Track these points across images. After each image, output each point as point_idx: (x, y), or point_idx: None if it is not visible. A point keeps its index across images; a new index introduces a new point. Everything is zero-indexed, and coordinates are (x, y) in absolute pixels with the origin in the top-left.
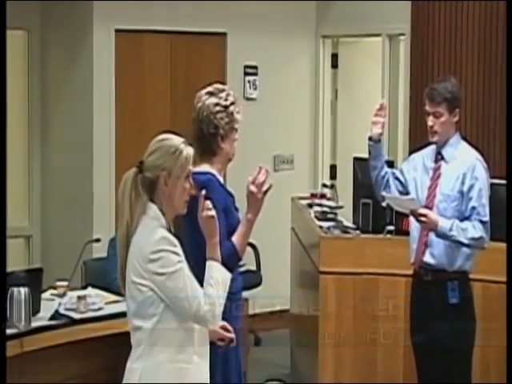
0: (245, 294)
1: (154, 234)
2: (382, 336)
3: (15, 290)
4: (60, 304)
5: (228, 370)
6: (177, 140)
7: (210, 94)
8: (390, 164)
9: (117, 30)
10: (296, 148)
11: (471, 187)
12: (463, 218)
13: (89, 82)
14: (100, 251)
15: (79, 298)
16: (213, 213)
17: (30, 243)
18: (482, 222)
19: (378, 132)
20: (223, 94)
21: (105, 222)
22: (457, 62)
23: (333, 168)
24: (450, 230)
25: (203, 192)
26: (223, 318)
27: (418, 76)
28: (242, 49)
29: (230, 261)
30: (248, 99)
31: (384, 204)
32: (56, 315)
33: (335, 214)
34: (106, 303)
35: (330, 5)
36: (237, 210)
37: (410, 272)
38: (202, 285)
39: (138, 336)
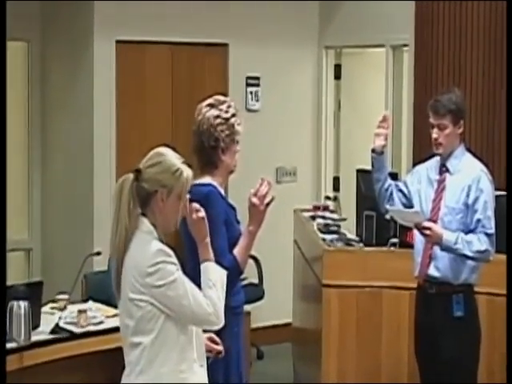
0: (247, 307)
1: (149, 248)
2: (386, 350)
3: (15, 303)
4: (60, 318)
5: None
6: (177, 159)
7: (211, 106)
8: (394, 176)
9: (118, 41)
10: (299, 160)
11: (476, 199)
12: (468, 231)
13: (89, 94)
14: (101, 264)
15: (80, 311)
16: (202, 214)
17: (30, 256)
18: (487, 234)
19: (381, 144)
20: (224, 106)
21: (106, 235)
22: (461, 73)
23: (336, 180)
24: (455, 243)
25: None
26: (225, 333)
27: (422, 87)
28: (243, 60)
29: (232, 274)
30: (250, 111)
31: (388, 217)
32: (56, 329)
33: (338, 226)
34: (107, 317)
35: (333, 15)
36: (238, 222)
37: (415, 285)
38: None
39: (137, 353)
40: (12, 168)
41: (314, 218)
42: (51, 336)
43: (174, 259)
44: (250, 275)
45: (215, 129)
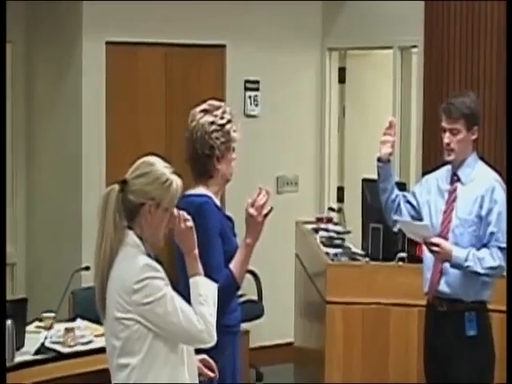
0: (245, 325)
1: (135, 263)
2: (394, 372)
3: None
4: (46, 337)
5: None
6: (166, 168)
7: (205, 111)
8: (402, 186)
9: (108, 42)
10: (300, 169)
11: (490, 211)
12: (481, 245)
13: (77, 99)
14: (89, 280)
15: (67, 330)
16: (190, 223)
17: (14, 271)
18: (500, 248)
19: (387, 152)
20: (219, 112)
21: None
22: (473, 76)
23: (340, 190)
24: (466, 259)
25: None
26: (219, 354)
27: (432, 91)
28: (242, 62)
29: (228, 290)
30: (248, 116)
31: (395, 229)
32: (42, 349)
33: (343, 239)
34: (96, 336)
35: (337, 15)
36: (235, 235)
37: (424, 302)
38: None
39: (125, 375)
40: None
41: (316, 230)
42: (36, 357)
43: (162, 274)
44: (248, 292)
45: (210, 136)
